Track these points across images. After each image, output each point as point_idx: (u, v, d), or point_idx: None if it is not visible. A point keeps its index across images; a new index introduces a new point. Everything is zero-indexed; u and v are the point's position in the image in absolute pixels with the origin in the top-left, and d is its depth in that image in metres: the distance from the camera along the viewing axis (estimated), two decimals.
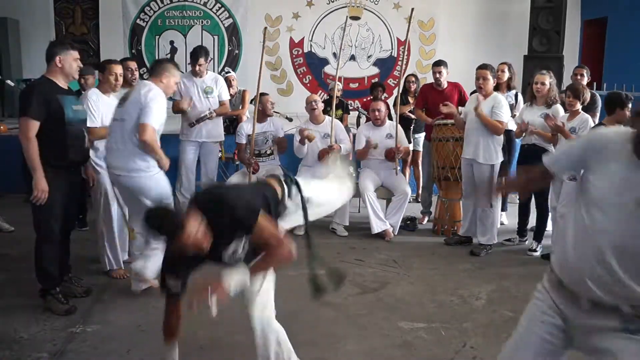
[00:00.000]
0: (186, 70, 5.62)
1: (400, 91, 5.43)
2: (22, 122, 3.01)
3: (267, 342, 2.30)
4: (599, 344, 1.58)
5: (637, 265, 1.48)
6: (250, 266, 2.13)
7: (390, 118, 5.41)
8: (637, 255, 1.47)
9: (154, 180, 3.28)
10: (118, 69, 3.75)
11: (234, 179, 5.09)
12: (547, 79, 4.34)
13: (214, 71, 6.69)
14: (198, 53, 4.83)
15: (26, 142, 2.98)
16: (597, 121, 4.48)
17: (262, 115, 4.95)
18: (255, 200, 2.19)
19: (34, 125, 2.99)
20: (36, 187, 2.99)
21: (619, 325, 1.54)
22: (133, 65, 4.27)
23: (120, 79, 3.78)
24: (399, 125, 5.02)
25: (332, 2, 8.37)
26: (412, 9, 5.24)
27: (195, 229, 1.94)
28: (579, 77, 4.87)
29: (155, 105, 3.20)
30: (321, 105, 5.14)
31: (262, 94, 5.00)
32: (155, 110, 3.19)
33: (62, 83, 3.16)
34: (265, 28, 5.54)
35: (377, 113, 5.02)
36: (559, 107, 4.30)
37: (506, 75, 5.02)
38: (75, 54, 3.16)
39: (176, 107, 4.75)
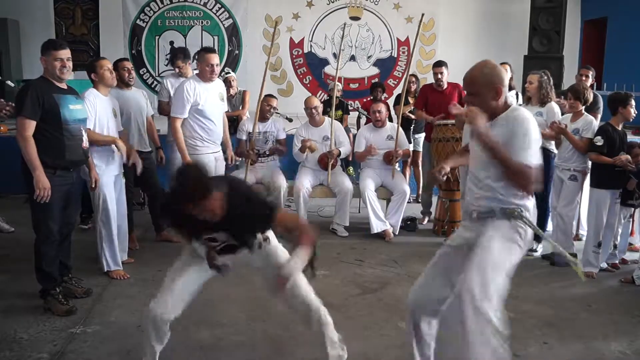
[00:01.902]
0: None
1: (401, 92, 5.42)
2: (18, 121, 3.00)
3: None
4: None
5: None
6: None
7: (390, 119, 5.40)
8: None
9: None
10: (107, 63, 3.71)
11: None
12: (535, 78, 4.32)
13: None
14: (175, 55, 4.86)
15: (23, 141, 2.97)
16: (598, 121, 4.48)
17: (262, 116, 4.95)
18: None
19: (30, 125, 2.98)
20: (37, 186, 2.98)
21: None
22: (129, 65, 4.27)
23: (114, 72, 3.75)
24: (399, 128, 5.01)
25: (332, 2, 8.37)
26: (423, 15, 5.17)
27: (219, 201, 2.08)
28: (583, 78, 4.86)
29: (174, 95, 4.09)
30: (321, 109, 5.13)
31: (267, 95, 5.00)
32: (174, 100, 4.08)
33: (57, 82, 3.13)
34: (275, 25, 5.26)
35: (377, 114, 5.02)
36: (552, 105, 4.29)
37: (508, 75, 5.01)
38: (57, 53, 3.06)
39: (162, 109, 4.67)
